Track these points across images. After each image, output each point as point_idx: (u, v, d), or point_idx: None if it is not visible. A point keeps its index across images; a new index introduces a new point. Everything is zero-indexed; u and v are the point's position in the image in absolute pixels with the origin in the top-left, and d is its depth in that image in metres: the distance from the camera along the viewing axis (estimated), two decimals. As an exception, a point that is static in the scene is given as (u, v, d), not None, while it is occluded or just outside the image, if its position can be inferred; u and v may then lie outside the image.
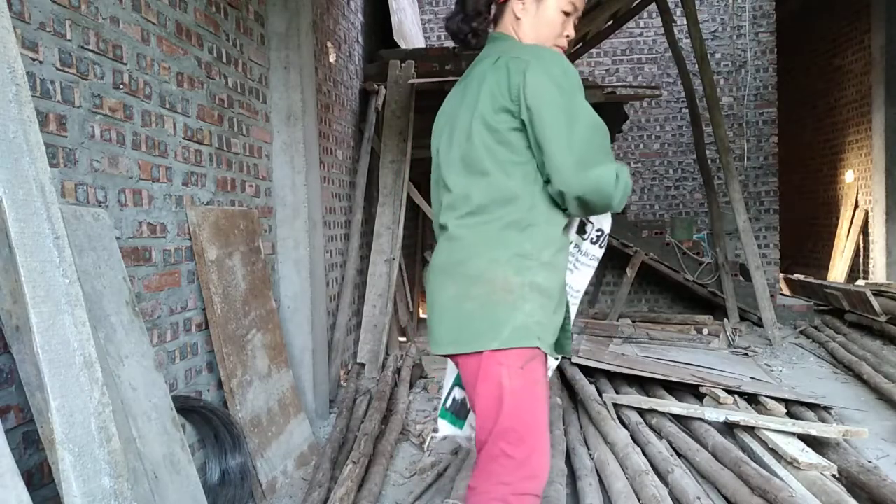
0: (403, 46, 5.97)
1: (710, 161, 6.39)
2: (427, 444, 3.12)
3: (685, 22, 5.82)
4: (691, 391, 3.53)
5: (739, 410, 3.11)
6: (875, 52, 7.15)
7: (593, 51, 7.11)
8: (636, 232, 6.56)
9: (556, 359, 1.65)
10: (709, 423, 2.90)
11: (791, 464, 2.46)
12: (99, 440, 1.47)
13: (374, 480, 2.63)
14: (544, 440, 1.52)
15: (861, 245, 7.62)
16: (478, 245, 1.50)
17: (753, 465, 2.38)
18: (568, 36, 1.65)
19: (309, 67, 3.59)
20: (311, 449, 3.08)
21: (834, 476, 2.44)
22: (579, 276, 1.72)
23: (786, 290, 7.47)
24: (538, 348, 1.48)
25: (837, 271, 7.88)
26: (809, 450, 2.57)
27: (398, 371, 4.18)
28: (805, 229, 9.18)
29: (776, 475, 2.39)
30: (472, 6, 1.63)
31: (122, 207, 2.15)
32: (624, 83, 7.26)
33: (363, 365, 4.50)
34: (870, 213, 7.38)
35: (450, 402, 1.77)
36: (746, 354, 4.73)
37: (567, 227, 1.63)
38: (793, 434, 2.75)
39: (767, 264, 7.01)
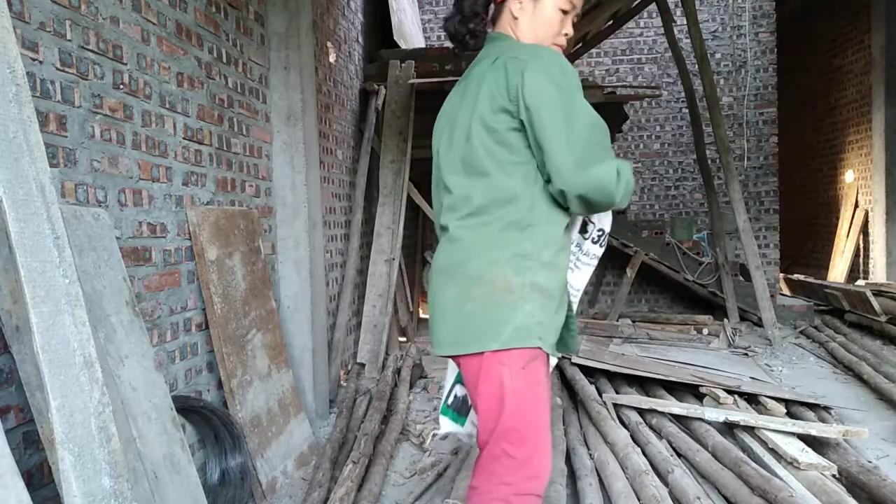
0: (403, 46, 5.97)
1: (710, 161, 6.39)
2: (427, 444, 3.13)
3: (685, 22, 5.82)
4: (691, 391, 3.53)
5: (739, 410, 3.11)
6: (875, 52, 7.16)
7: (593, 51, 7.11)
8: (636, 232, 6.56)
9: (557, 357, 1.66)
10: (709, 423, 2.90)
11: (791, 464, 2.46)
12: (99, 440, 1.47)
13: (374, 480, 2.63)
14: (546, 440, 1.52)
15: (861, 245, 7.62)
16: (478, 246, 1.50)
17: (753, 465, 2.38)
18: (567, 34, 1.64)
19: (309, 67, 3.59)
20: (311, 449, 3.08)
21: (834, 476, 2.44)
22: (580, 275, 1.73)
23: (786, 290, 7.47)
24: (540, 348, 1.48)
25: (837, 271, 7.88)
26: (809, 450, 2.57)
27: (398, 371, 4.18)
28: (805, 229, 9.18)
29: (776, 475, 2.39)
30: (469, 8, 1.62)
31: (122, 207, 2.15)
32: (624, 83, 7.26)
33: (363, 365, 4.50)
34: (870, 213, 7.38)
35: (451, 399, 1.77)
36: (746, 354, 4.73)
37: (569, 226, 1.63)
38: (793, 434, 2.74)
39: (767, 264, 7.01)
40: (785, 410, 3.22)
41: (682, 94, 6.57)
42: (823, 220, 8.68)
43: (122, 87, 2.16)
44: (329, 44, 4.40)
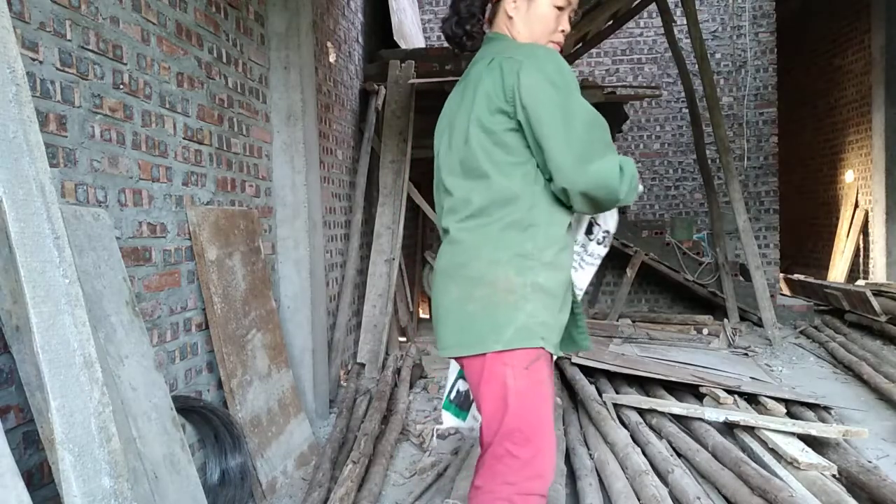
0: (403, 46, 5.97)
1: (710, 161, 6.39)
2: (427, 444, 3.12)
3: (685, 22, 5.82)
4: (691, 391, 3.53)
5: (739, 410, 3.11)
6: (875, 52, 7.16)
7: (593, 51, 7.10)
8: (636, 232, 6.56)
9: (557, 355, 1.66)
10: (709, 423, 2.90)
11: (791, 464, 2.46)
12: (99, 440, 1.47)
13: (374, 480, 2.63)
14: (550, 440, 1.52)
15: (861, 245, 7.62)
16: (479, 247, 1.50)
17: (753, 465, 2.38)
18: (563, 31, 1.63)
19: (309, 67, 3.59)
20: (311, 449, 3.08)
21: (834, 476, 2.44)
22: (583, 275, 1.73)
23: (786, 290, 7.47)
24: (543, 348, 1.48)
25: (837, 271, 7.89)
26: (809, 450, 2.57)
27: (398, 371, 4.18)
28: (805, 229, 9.18)
29: (776, 475, 2.39)
30: (465, 9, 1.61)
31: (122, 207, 2.15)
32: (624, 83, 7.26)
33: (363, 365, 4.50)
34: (870, 213, 7.38)
35: (454, 394, 1.78)
36: (746, 354, 4.73)
37: (575, 228, 1.63)
38: (793, 434, 2.74)
39: (767, 264, 7.01)
40: (785, 410, 3.22)
41: (682, 94, 6.57)
42: (823, 220, 8.68)
43: (122, 87, 2.16)
44: (329, 44, 4.40)
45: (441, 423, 1.85)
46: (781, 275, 7.50)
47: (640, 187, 1.62)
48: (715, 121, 5.60)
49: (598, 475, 2.59)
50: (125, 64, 2.18)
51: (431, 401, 3.92)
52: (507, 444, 1.47)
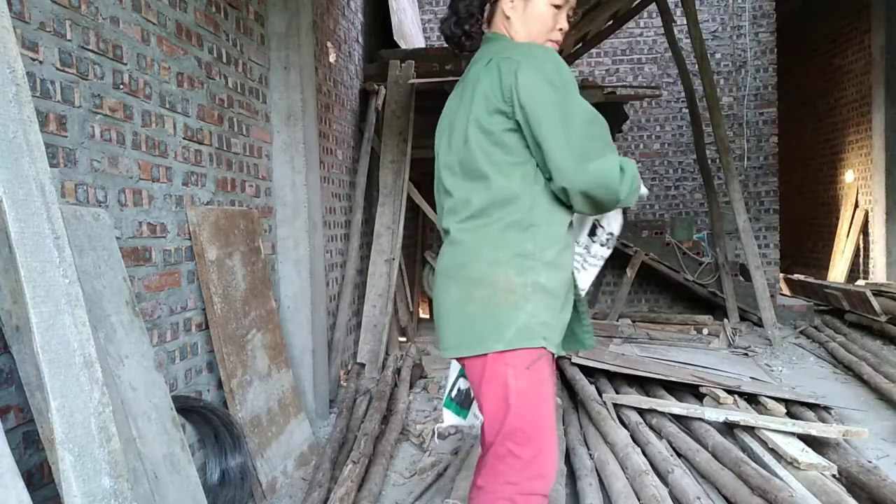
0: (403, 46, 5.97)
1: (710, 161, 6.39)
2: (427, 444, 3.12)
3: (685, 22, 5.82)
4: (691, 391, 3.53)
5: (739, 410, 3.11)
6: (875, 52, 7.16)
7: (593, 51, 7.10)
8: (636, 232, 6.56)
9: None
10: (709, 423, 2.90)
11: (791, 464, 2.46)
12: (99, 440, 1.47)
13: (374, 480, 2.63)
14: (551, 440, 1.52)
15: (861, 245, 7.62)
16: (479, 248, 1.50)
17: (753, 465, 2.38)
18: (561, 29, 1.62)
19: (309, 67, 3.59)
20: (311, 449, 3.08)
21: (834, 476, 2.44)
22: (585, 276, 1.73)
23: (786, 290, 7.47)
24: (544, 348, 1.48)
25: (837, 271, 7.89)
26: (809, 450, 2.57)
27: (398, 371, 4.18)
28: (805, 229, 9.18)
29: (776, 475, 2.39)
30: (463, 9, 1.61)
31: (122, 207, 2.15)
32: (624, 83, 7.26)
33: (363, 365, 4.50)
34: (870, 213, 7.38)
35: (455, 392, 1.78)
36: (746, 354, 4.73)
37: (578, 229, 1.62)
38: (793, 434, 2.74)
39: (767, 264, 7.01)
40: (785, 410, 3.22)
41: (682, 94, 6.57)
42: (823, 220, 8.68)
43: (122, 87, 2.16)
44: (329, 44, 4.40)
45: (442, 422, 1.85)
46: (781, 275, 7.50)
47: (644, 189, 1.62)
48: (715, 121, 5.60)
49: (598, 475, 2.59)
50: (125, 64, 2.18)
51: (431, 401, 3.92)
52: (509, 444, 1.47)
